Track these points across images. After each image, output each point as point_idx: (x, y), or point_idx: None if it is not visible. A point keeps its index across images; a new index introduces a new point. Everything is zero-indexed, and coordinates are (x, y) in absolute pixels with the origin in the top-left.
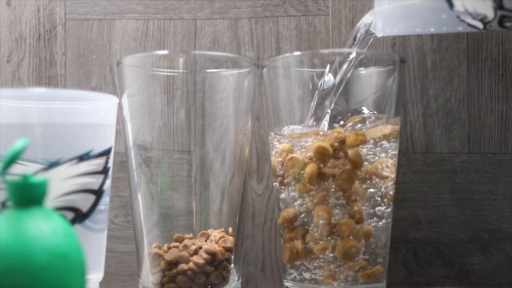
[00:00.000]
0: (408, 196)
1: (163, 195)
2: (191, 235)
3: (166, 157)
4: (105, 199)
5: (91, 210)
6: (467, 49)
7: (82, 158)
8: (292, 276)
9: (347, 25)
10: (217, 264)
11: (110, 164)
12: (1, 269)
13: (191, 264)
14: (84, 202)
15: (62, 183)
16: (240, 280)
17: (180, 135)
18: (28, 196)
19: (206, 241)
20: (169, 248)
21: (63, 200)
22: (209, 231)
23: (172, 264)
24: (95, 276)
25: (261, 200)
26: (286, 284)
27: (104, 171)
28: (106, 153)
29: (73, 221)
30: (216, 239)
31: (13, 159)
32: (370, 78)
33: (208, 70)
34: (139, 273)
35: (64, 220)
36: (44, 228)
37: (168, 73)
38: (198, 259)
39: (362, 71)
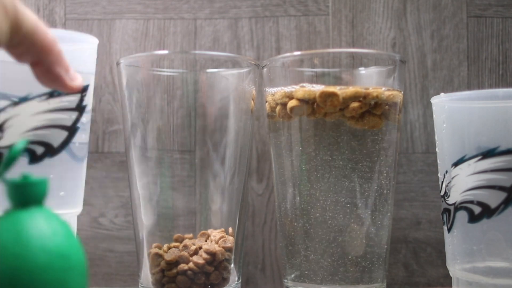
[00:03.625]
0: (408, 196)
1: (163, 195)
2: (191, 235)
3: (166, 157)
4: (81, 136)
5: (63, 145)
6: (467, 49)
7: (52, 94)
8: (293, 275)
9: (347, 25)
10: (217, 264)
11: (88, 102)
12: (1, 269)
13: (191, 264)
14: (54, 137)
15: (31, 118)
16: (240, 280)
17: (180, 135)
18: (28, 196)
19: (206, 241)
20: (169, 248)
21: (32, 134)
22: (209, 231)
23: (172, 264)
24: (71, 211)
25: (261, 200)
26: (286, 284)
27: (78, 108)
28: (80, 89)
29: (43, 155)
30: (216, 239)
31: (12, 159)
32: (370, 78)
33: (208, 70)
34: (139, 273)
35: (64, 220)
36: (44, 228)
37: (168, 73)
38: (198, 259)
39: (362, 71)
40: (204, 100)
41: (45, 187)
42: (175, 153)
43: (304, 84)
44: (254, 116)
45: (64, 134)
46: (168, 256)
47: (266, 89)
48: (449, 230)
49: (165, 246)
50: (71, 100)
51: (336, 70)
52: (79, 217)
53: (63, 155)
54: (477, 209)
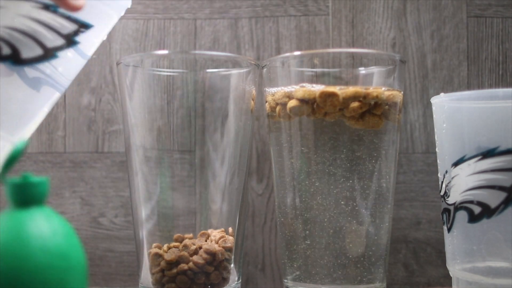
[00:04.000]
0: (408, 196)
1: (163, 195)
2: (191, 235)
3: (166, 157)
4: (57, 68)
5: (32, 62)
6: (467, 49)
7: (48, 7)
8: (294, 275)
9: (347, 25)
10: (217, 264)
11: (83, 41)
12: (1, 269)
13: (191, 264)
14: (27, 47)
15: (15, 17)
16: (240, 280)
17: (180, 135)
18: (28, 196)
19: (206, 241)
20: (169, 248)
21: (8, 32)
22: (209, 231)
23: (172, 264)
24: (9, 136)
25: (261, 200)
26: (286, 284)
27: (67, 38)
28: (79, 23)
29: (7, 58)
30: (216, 239)
31: (13, 159)
32: (370, 78)
33: (208, 70)
34: (139, 273)
35: (64, 220)
36: (44, 228)
37: (168, 73)
38: (198, 259)
39: (362, 71)
40: (204, 100)
41: (45, 187)
42: (175, 153)
43: (304, 84)
44: (254, 116)
45: (38, 51)
46: (168, 256)
47: (266, 89)
48: (449, 230)
49: (165, 246)
50: (64, 26)
51: (336, 70)
52: (79, 217)
53: (27, 71)
54: (477, 209)
